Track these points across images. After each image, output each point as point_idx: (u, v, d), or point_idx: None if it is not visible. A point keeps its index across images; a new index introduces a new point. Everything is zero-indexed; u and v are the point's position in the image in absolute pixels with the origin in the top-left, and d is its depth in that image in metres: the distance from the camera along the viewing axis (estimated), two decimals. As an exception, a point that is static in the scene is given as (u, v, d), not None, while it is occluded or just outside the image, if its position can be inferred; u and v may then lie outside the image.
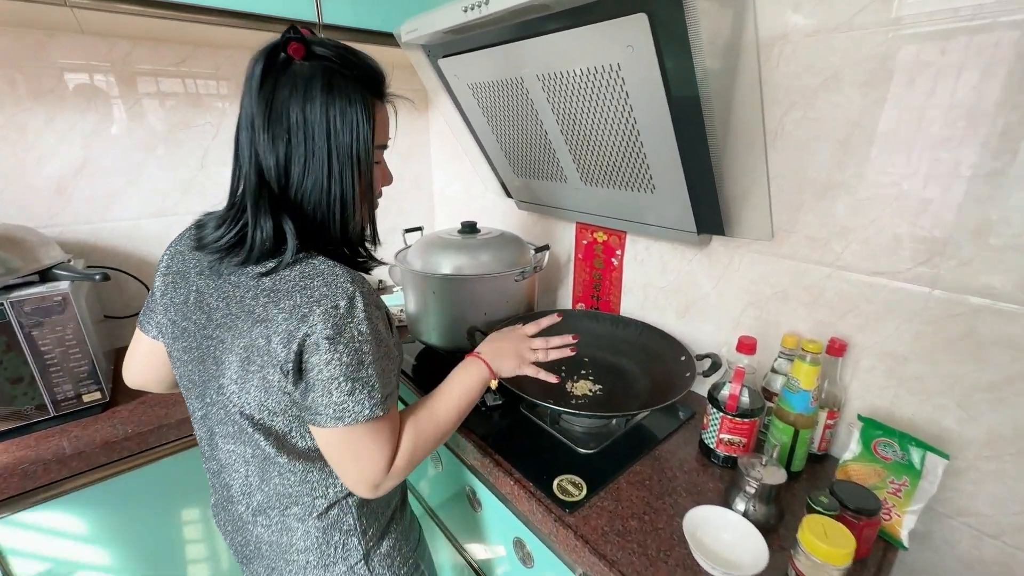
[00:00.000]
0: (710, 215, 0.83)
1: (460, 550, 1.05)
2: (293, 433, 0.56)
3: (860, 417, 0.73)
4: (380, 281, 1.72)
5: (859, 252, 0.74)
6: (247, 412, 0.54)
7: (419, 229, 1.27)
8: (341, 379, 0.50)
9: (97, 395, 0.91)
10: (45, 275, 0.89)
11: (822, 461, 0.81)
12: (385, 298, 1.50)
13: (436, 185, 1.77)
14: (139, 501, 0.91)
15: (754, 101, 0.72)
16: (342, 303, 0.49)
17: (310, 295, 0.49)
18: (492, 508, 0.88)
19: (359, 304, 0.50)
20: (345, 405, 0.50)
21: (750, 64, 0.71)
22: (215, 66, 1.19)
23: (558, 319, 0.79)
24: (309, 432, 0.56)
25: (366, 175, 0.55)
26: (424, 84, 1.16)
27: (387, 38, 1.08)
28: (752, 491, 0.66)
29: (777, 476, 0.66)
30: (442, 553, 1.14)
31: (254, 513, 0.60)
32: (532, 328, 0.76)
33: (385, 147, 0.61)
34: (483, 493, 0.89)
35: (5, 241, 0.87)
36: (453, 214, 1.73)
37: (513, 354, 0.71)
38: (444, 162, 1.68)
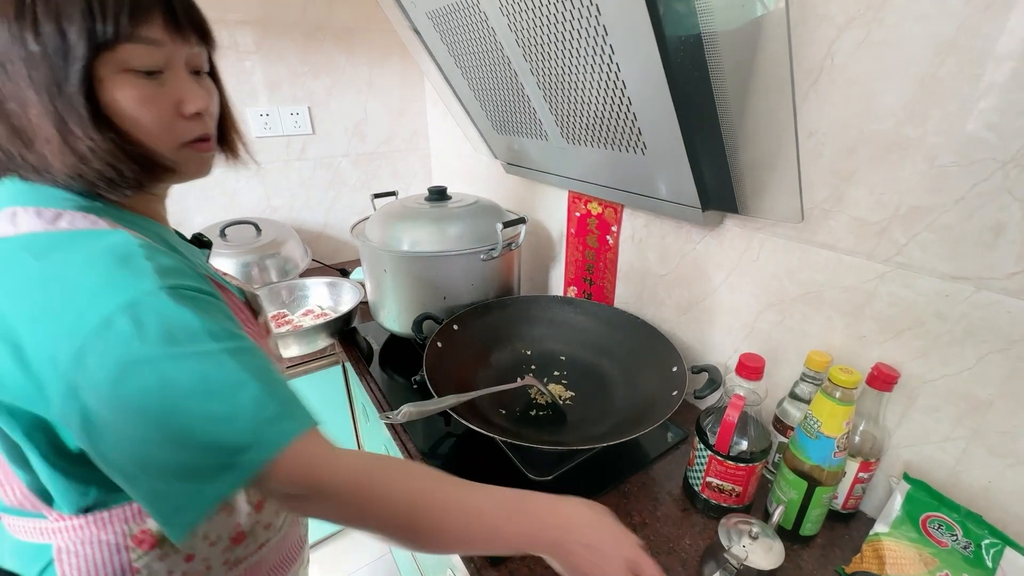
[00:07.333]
0: (719, 187, 0.61)
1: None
2: None
3: (907, 478, 0.52)
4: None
5: (933, 244, 0.51)
6: None
7: (392, 194, 1.11)
8: None
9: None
10: None
11: (848, 521, 0.61)
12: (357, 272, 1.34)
13: (433, 145, 1.59)
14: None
15: (781, 30, 0.49)
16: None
17: None
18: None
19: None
20: None
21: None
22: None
23: None
24: None
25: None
26: (392, 24, 0.98)
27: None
28: (732, 572, 0.48)
29: (769, 557, 0.47)
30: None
31: None
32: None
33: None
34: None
35: None
36: (449, 178, 1.55)
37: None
38: (439, 119, 1.49)
